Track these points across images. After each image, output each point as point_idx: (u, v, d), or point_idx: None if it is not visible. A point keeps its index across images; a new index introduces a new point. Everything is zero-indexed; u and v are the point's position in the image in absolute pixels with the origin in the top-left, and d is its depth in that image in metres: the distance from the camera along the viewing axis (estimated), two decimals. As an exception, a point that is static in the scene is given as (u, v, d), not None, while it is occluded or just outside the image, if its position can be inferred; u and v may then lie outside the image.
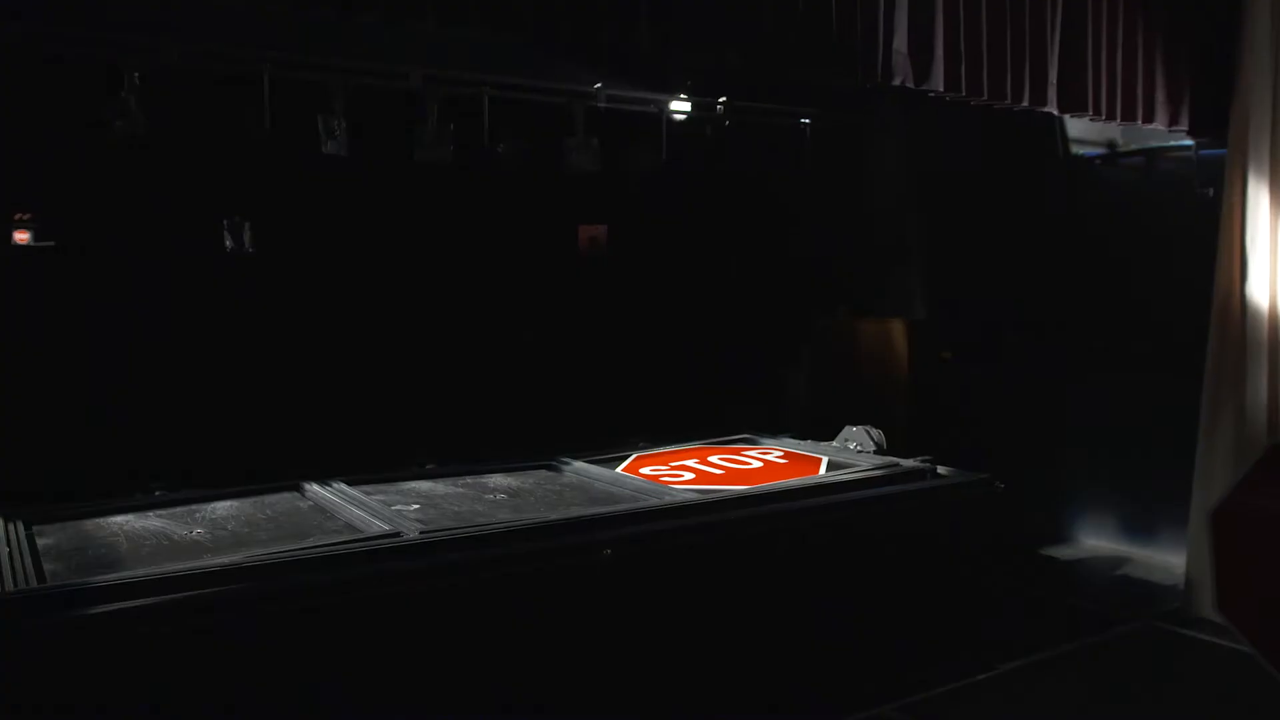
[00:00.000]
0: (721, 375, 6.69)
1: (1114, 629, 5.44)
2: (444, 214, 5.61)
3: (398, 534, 3.88)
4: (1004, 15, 4.62)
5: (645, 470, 5.19)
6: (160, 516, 4.25)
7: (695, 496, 4.56)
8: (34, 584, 3.36)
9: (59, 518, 4.18)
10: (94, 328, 4.78)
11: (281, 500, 4.53)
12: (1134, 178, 6.72)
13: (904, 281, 7.29)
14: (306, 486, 4.65)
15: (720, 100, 6.15)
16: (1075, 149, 7.00)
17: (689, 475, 5.07)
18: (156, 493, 4.53)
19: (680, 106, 6.07)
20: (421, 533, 3.89)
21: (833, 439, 5.80)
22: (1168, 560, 6.29)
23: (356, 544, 3.77)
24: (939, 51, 4.42)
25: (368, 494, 4.55)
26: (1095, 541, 6.91)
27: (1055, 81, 4.80)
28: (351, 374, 5.35)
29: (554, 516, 4.20)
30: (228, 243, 4.96)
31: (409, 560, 3.74)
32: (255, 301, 5.11)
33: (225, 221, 4.94)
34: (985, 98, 4.58)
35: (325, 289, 5.32)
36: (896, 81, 4.37)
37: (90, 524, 4.14)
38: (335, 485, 4.64)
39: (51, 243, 4.65)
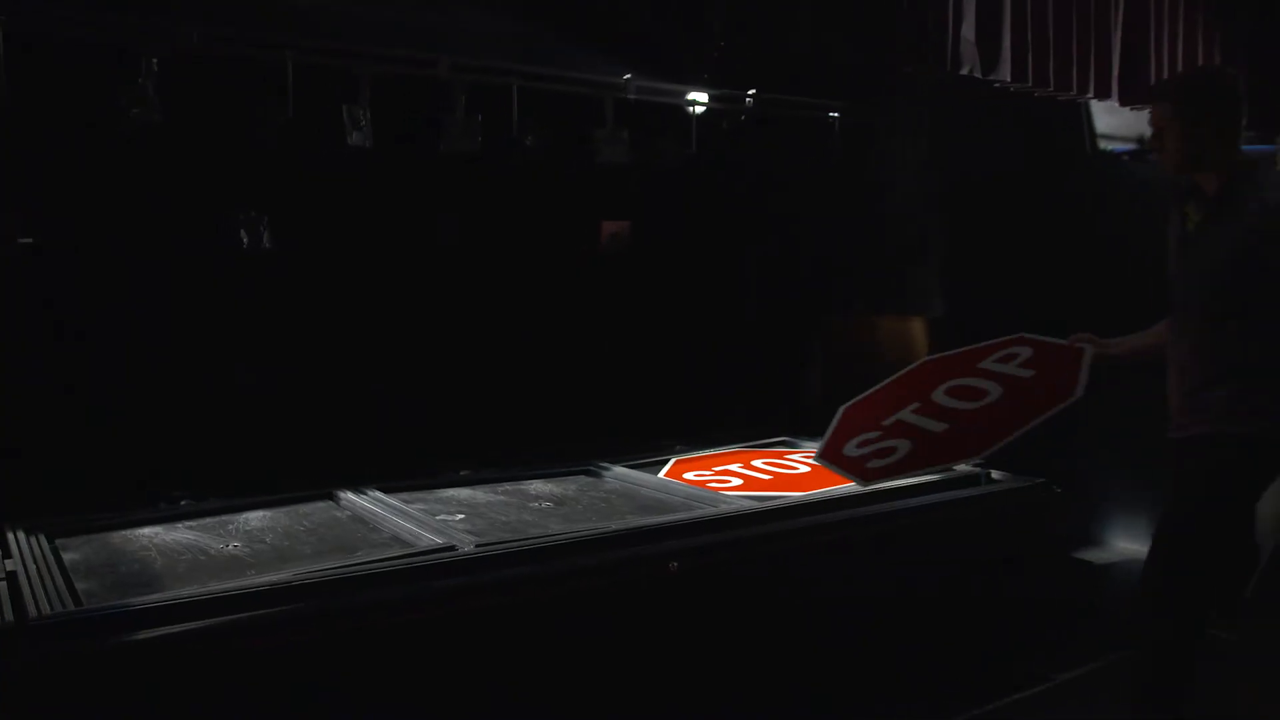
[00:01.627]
0: (739, 376, 6.49)
1: (1161, 635, 5.28)
2: (463, 208, 5.36)
3: (452, 547, 3.63)
4: (1069, 5, 4.48)
5: (689, 475, 4.98)
6: (190, 529, 3.99)
7: (754, 504, 4.35)
8: (70, 606, 3.09)
9: (83, 530, 3.90)
10: (99, 328, 4.48)
11: (317, 510, 4.28)
12: (1164, 174, 6.57)
13: (924, 279, 7.12)
14: (341, 495, 4.39)
15: (750, 93, 5.94)
16: (1103, 144, 6.85)
17: (737, 480, 4.86)
18: (183, 502, 4.26)
19: (710, 99, 5.85)
20: (477, 545, 3.66)
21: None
22: (1205, 563, 6.14)
23: (412, 558, 3.52)
24: (1007, 41, 4.27)
25: (407, 503, 4.31)
26: (1127, 544, 6.76)
27: (1118, 74, 4.66)
28: (369, 376, 5.08)
29: (615, 527, 3.98)
30: (244, 239, 4.69)
31: (466, 575, 3.50)
32: (266, 301, 4.82)
33: (241, 217, 4.67)
34: (1051, 89, 4.44)
35: (343, 286, 5.04)
36: (964, 70, 4.22)
37: (117, 537, 3.87)
38: (371, 493, 4.39)
39: (29, 240, 4.36)
